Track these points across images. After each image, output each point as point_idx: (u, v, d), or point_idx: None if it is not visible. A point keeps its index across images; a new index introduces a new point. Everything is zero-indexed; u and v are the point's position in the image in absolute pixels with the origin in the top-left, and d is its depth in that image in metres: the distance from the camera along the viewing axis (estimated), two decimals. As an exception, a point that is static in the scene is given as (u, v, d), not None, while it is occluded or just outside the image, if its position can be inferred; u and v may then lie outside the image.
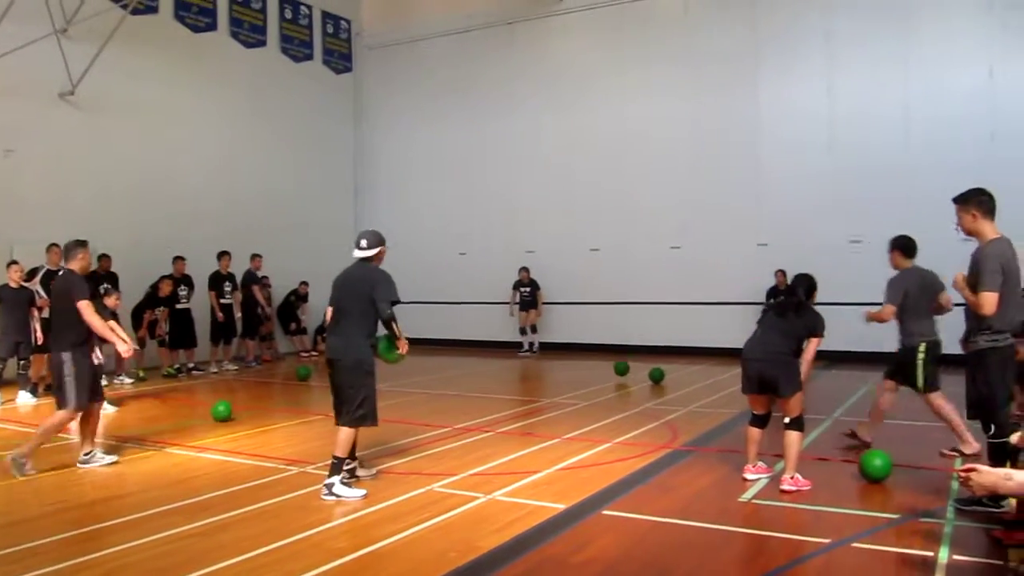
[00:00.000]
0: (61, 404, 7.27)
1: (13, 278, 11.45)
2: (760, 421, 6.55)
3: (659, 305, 16.80)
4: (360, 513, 5.78)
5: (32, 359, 11.63)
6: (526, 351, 17.41)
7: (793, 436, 6.21)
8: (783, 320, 6.43)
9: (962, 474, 4.01)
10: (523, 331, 17.56)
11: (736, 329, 15.67)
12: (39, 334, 11.47)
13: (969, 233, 5.79)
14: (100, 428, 7.99)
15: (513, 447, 7.91)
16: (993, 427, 5.61)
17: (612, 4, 17.48)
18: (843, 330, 14.43)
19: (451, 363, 16.09)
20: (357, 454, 6.67)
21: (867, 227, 14.93)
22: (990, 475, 3.96)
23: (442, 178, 19.62)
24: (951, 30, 14.60)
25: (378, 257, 6.53)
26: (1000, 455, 5.58)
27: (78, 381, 7.22)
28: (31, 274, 11.97)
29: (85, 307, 7.21)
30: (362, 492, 6.19)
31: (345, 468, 6.31)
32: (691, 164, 16.59)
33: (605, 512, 5.75)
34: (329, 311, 6.69)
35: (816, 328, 6.34)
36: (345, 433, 6.28)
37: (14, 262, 11.63)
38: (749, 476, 6.46)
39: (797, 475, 6.17)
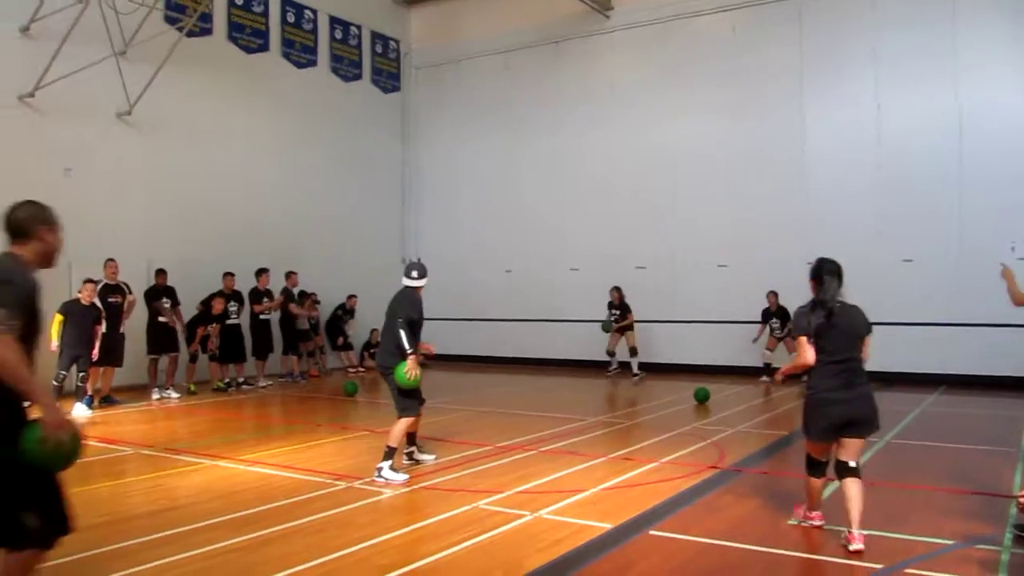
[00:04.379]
0: None
1: (85, 296, 11.81)
2: (824, 470, 5.58)
3: (706, 324, 16.64)
4: (406, 529, 5.79)
5: (89, 372, 11.95)
6: (615, 369, 16.45)
7: (860, 485, 5.35)
8: (850, 326, 5.39)
9: (1021, 499, 3.90)
10: (610, 352, 16.50)
11: (784, 349, 15.56)
12: (96, 350, 12.00)
13: None
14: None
15: (558, 465, 7.87)
16: None
17: (658, 22, 17.48)
18: (895, 352, 14.28)
19: (495, 380, 16.10)
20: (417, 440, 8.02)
21: (919, 245, 14.69)
22: (1049, 501, 3.84)
23: (488, 195, 19.72)
24: (999, 48, 14.36)
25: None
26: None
27: None
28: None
29: None
30: (404, 477, 7.23)
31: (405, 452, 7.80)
32: (738, 182, 16.46)
33: (651, 532, 5.69)
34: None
35: (868, 322, 5.48)
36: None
37: (90, 280, 12.01)
38: (818, 523, 5.69)
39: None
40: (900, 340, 14.28)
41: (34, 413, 3.49)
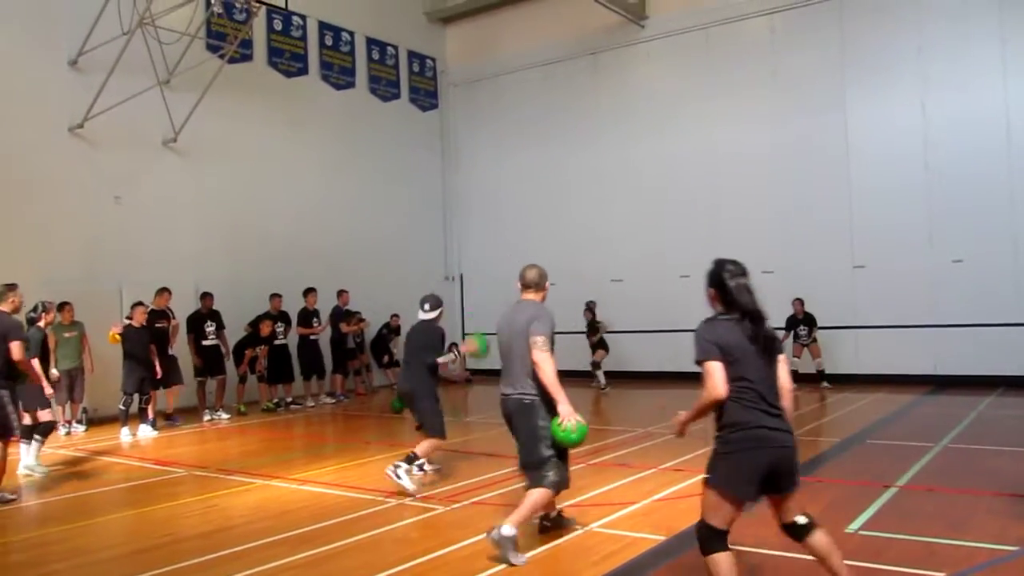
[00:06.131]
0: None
1: (138, 319, 12.06)
2: (726, 540, 4.24)
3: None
4: (459, 545, 5.80)
5: (152, 395, 12.31)
6: (605, 387, 16.66)
7: (828, 537, 4.21)
8: (771, 358, 4.09)
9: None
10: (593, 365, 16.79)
11: (834, 354, 15.33)
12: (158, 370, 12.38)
13: None
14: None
15: (608, 478, 7.84)
16: None
17: (697, 29, 17.42)
18: (951, 354, 14.02)
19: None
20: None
21: (970, 246, 14.41)
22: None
23: (529, 209, 19.74)
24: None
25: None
26: None
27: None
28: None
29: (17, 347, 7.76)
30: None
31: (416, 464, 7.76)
32: (781, 188, 16.29)
33: (706, 544, 5.61)
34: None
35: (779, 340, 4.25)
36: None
37: (140, 303, 12.26)
38: None
39: None
40: (955, 342, 14.02)
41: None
